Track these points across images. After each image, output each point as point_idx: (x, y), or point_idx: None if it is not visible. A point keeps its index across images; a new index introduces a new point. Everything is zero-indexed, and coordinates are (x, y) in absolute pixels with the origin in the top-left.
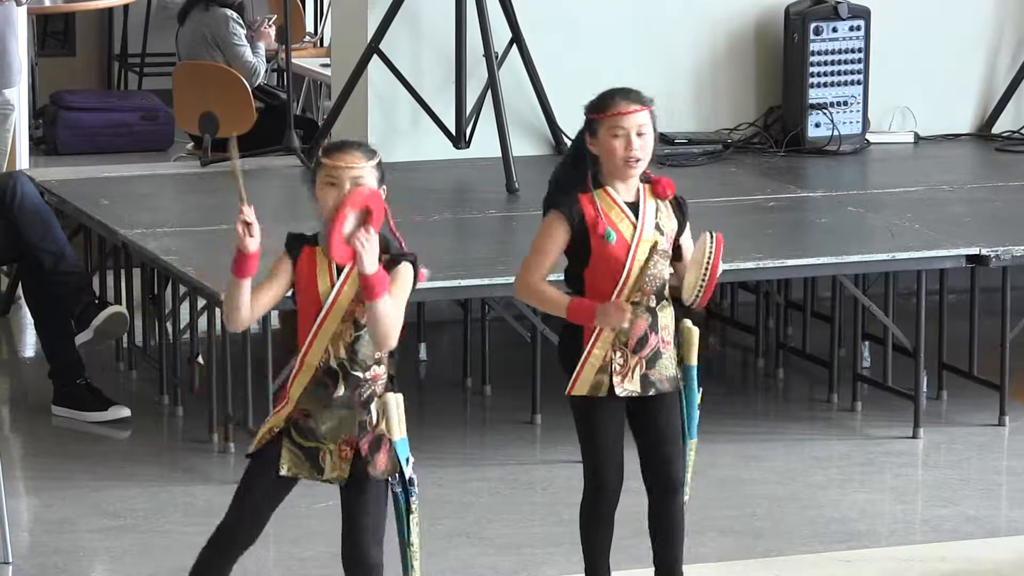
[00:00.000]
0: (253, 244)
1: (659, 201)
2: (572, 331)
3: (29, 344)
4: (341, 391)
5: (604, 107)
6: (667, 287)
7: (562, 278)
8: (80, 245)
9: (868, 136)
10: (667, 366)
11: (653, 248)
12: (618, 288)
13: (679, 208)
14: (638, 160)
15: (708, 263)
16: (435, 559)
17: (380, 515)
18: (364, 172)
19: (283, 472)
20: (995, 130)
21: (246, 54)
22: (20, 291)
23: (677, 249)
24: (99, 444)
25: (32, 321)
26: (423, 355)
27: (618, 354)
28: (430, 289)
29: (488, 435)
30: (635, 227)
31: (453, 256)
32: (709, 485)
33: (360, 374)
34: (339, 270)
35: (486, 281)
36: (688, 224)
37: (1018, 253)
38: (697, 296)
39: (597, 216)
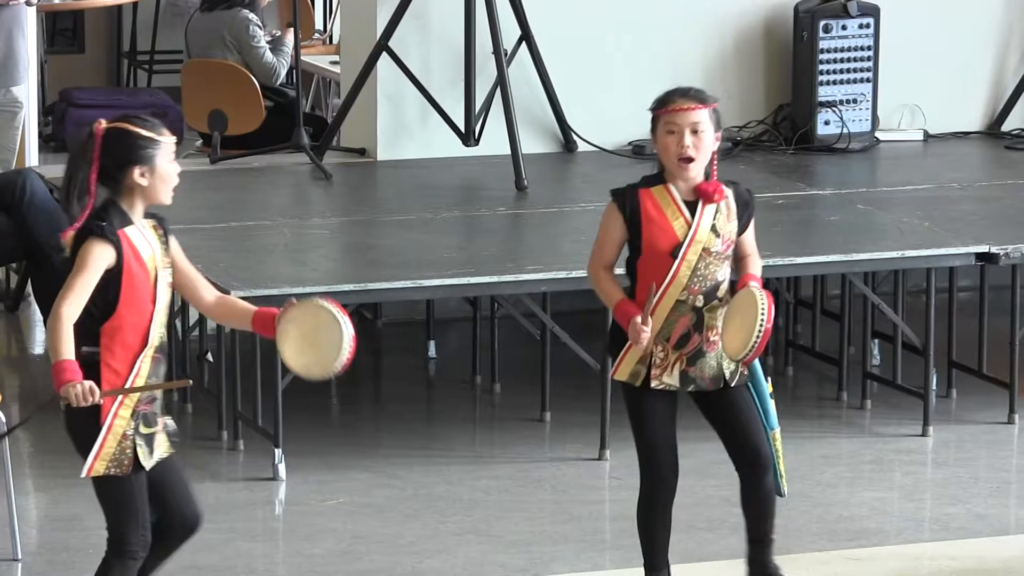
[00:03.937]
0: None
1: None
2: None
3: (38, 341)
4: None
5: (662, 104)
6: (721, 288)
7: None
8: None
9: (877, 134)
10: (711, 365)
11: (705, 250)
12: (664, 284)
13: (745, 208)
14: (691, 159)
15: (761, 325)
16: (444, 556)
17: None
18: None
19: (152, 465)
20: (1004, 128)
21: (266, 56)
22: (29, 288)
23: (739, 246)
24: None
25: (41, 318)
26: (432, 352)
27: (659, 348)
28: (440, 287)
29: (497, 433)
30: (689, 226)
31: (462, 253)
32: (718, 483)
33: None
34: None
35: (495, 279)
36: (753, 220)
37: None
38: (747, 354)
39: (653, 210)
